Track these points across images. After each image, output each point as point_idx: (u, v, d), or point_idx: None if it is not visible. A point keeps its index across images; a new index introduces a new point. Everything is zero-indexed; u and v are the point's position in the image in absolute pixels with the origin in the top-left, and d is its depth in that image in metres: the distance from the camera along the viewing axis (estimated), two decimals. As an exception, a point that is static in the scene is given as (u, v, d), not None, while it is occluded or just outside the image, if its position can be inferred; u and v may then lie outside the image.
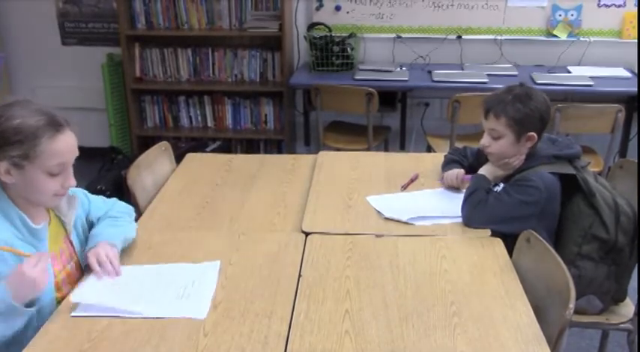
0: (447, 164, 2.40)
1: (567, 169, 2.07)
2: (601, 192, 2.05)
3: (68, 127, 1.63)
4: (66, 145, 1.61)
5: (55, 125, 1.59)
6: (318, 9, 4.37)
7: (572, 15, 4.19)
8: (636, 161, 2.32)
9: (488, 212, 2.03)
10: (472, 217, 2.05)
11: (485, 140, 2.15)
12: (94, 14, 4.61)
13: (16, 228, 1.60)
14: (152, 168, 2.49)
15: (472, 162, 2.36)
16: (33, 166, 1.56)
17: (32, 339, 1.49)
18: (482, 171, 2.18)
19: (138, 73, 4.55)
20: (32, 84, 4.81)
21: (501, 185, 2.16)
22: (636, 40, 4.16)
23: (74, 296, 1.64)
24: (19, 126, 1.54)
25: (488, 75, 4.00)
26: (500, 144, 2.11)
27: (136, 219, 2.16)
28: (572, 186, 2.05)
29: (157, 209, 2.22)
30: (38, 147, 1.55)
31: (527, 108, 2.06)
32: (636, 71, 4.07)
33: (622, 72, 4.09)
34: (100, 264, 1.72)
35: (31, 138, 1.54)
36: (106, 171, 4.11)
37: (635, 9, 4.12)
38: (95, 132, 4.78)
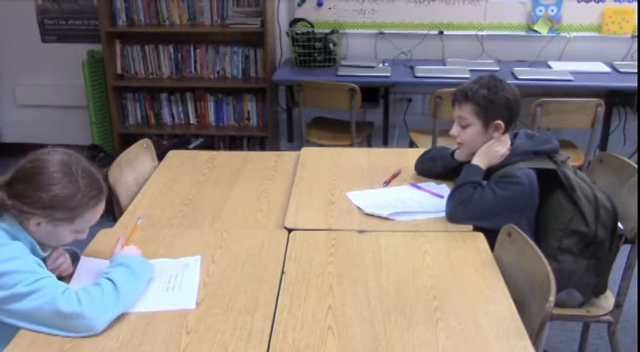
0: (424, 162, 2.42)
1: (547, 164, 2.08)
2: (581, 187, 2.06)
3: (106, 191, 1.70)
4: (100, 212, 1.69)
5: (101, 195, 1.67)
6: (300, 5, 4.36)
7: (552, 10, 4.22)
8: (615, 154, 2.35)
9: (472, 209, 2.03)
10: (456, 214, 2.05)
11: (454, 129, 2.20)
12: (73, 11, 4.56)
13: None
14: (134, 165, 2.47)
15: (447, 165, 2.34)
16: (68, 226, 1.62)
17: (13, 339, 1.48)
18: (475, 159, 2.14)
19: (119, 70, 4.51)
20: (12, 82, 4.77)
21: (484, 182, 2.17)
22: (616, 35, 4.21)
23: None
24: (74, 196, 1.59)
25: (470, 70, 4.01)
26: (468, 132, 2.15)
27: (118, 217, 2.15)
28: (552, 182, 2.06)
29: (139, 207, 2.20)
30: (81, 216, 1.63)
31: (493, 95, 2.10)
32: (615, 66, 4.12)
33: (601, 67, 4.13)
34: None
35: (80, 209, 1.61)
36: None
37: (615, 4, 4.16)
38: (76, 130, 4.76)
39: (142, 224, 1.96)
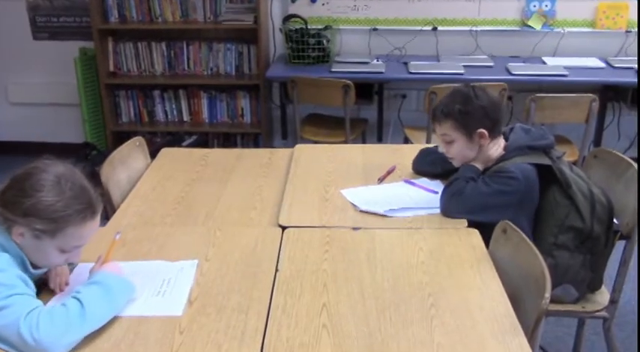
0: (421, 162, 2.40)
1: (543, 160, 2.07)
2: (577, 182, 2.06)
3: (98, 211, 1.59)
4: (90, 231, 1.58)
5: (89, 212, 1.54)
6: (293, 1, 4.34)
7: (546, 6, 4.22)
8: (610, 150, 2.34)
9: (464, 201, 2.03)
10: (449, 207, 2.06)
11: (441, 146, 2.19)
12: (65, 8, 4.53)
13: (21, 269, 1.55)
14: (126, 163, 2.45)
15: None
16: (50, 241, 1.52)
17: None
18: (472, 162, 2.16)
19: (112, 68, 4.49)
20: (4, 80, 4.73)
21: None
22: (610, 31, 4.21)
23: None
24: (55, 205, 1.49)
25: (465, 66, 4.01)
26: (454, 147, 2.14)
27: (110, 216, 2.14)
28: (548, 177, 2.06)
29: (132, 205, 2.19)
30: (65, 230, 1.51)
31: (468, 107, 2.08)
32: (610, 61, 4.12)
33: (596, 62, 4.12)
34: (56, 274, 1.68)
35: (62, 221, 1.49)
36: (79, 168, 4.05)
37: (608, 0, 4.17)
38: (69, 128, 4.72)
39: (120, 238, 1.84)
